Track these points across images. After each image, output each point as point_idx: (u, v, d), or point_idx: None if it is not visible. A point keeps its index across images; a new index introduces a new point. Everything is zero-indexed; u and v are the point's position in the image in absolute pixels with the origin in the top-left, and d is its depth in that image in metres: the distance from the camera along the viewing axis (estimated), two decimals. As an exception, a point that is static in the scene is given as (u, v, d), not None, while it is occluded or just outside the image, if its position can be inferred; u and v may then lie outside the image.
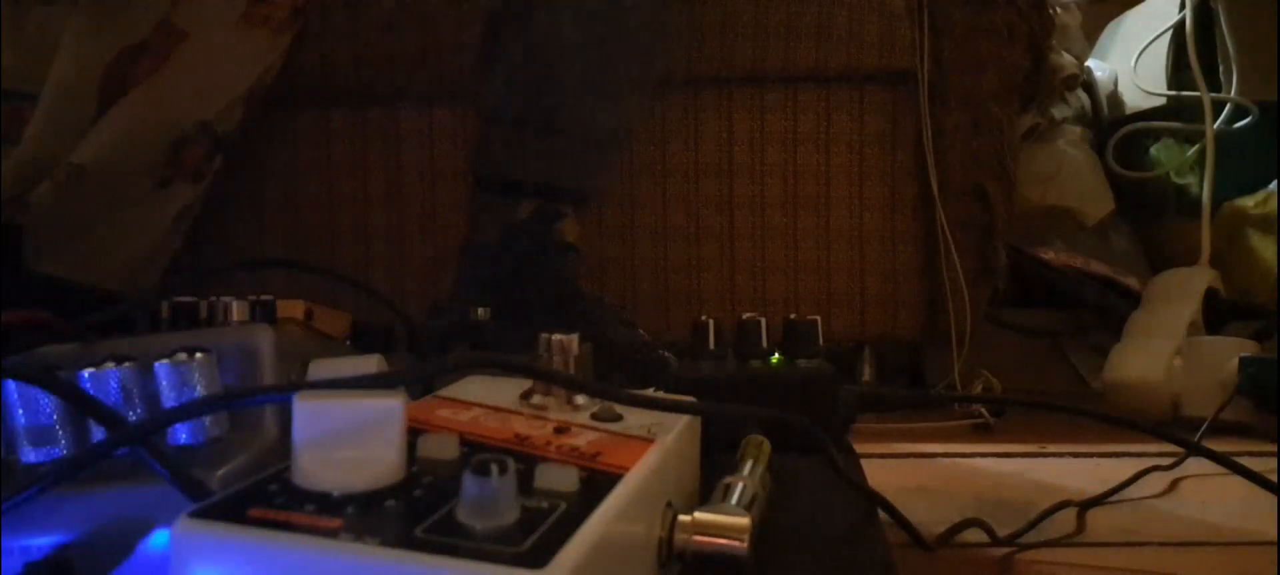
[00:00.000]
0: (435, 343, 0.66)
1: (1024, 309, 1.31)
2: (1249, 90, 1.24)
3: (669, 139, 1.10)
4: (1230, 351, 0.98)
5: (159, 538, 0.33)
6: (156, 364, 0.40)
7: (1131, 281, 1.24)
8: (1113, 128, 1.35)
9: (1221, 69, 1.26)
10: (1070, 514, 0.60)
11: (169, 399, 0.40)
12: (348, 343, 0.68)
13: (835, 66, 1.08)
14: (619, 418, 0.41)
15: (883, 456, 0.82)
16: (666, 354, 0.73)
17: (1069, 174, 1.29)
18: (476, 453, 0.34)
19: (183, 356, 0.40)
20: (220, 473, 0.39)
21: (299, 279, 0.93)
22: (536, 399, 0.42)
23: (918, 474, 0.77)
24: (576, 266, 0.92)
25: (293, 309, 0.63)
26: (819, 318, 0.71)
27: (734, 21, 1.07)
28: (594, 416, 0.41)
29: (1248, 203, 1.20)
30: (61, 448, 0.38)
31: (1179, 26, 1.29)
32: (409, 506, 0.27)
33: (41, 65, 0.87)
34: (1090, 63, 1.40)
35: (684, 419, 0.43)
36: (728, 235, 1.11)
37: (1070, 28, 1.32)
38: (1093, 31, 1.46)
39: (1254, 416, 0.94)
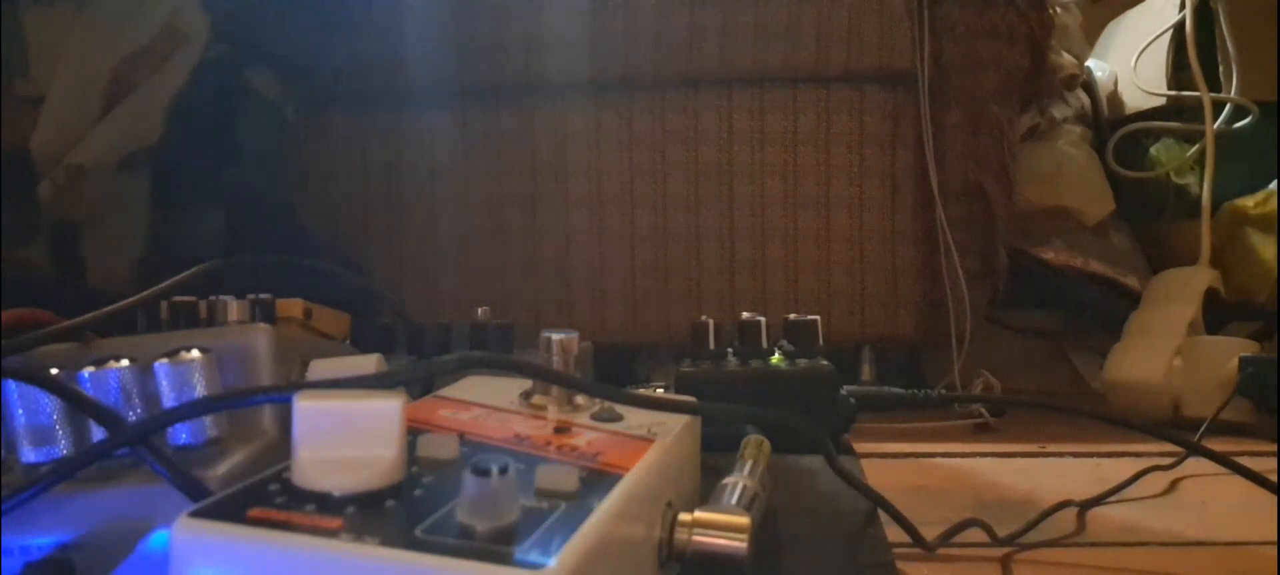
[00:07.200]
0: (435, 343, 0.66)
1: (1024, 309, 1.31)
2: (1249, 90, 1.24)
3: (669, 139, 1.10)
4: (1230, 351, 0.98)
5: (159, 538, 0.33)
6: (156, 364, 0.40)
7: (1131, 281, 1.24)
8: (1113, 128, 1.35)
9: (1221, 69, 1.26)
10: (1070, 514, 0.60)
11: (169, 399, 0.40)
12: (347, 343, 0.68)
13: (835, 66, 1.08)
14: (619, 418, 0.41)
15: (883, 456, 0.82)
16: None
17: (1069, 174, 1.29)
18: (476, 453, 0.34)
19: (182, 356, 0.40)
20: (220, 473, 0.39)
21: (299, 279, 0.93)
22: (536, 399, 0.42)
23: (918, 474, 0.77)
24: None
25: (292, 309, 0.63)
26: (819, 317, 0.71)
27: (734, 21, 1.07)
28: (594, 416, 0.41)
29: (1248, 203, 1.20)
30: (61, 448, 0.38)
31: (1179, 26, 1.29)
32: (409, 506, 0.27)
33: (37, 67, 0.87)
34: (1090, 63, 1.40)
35: (684, 419, 0.43)
36: (728, 235, 1.10)
37: (1070, 28, 1.32)
38: (1093, 31, 1.46)
39: (1254, 416, 0.94)
